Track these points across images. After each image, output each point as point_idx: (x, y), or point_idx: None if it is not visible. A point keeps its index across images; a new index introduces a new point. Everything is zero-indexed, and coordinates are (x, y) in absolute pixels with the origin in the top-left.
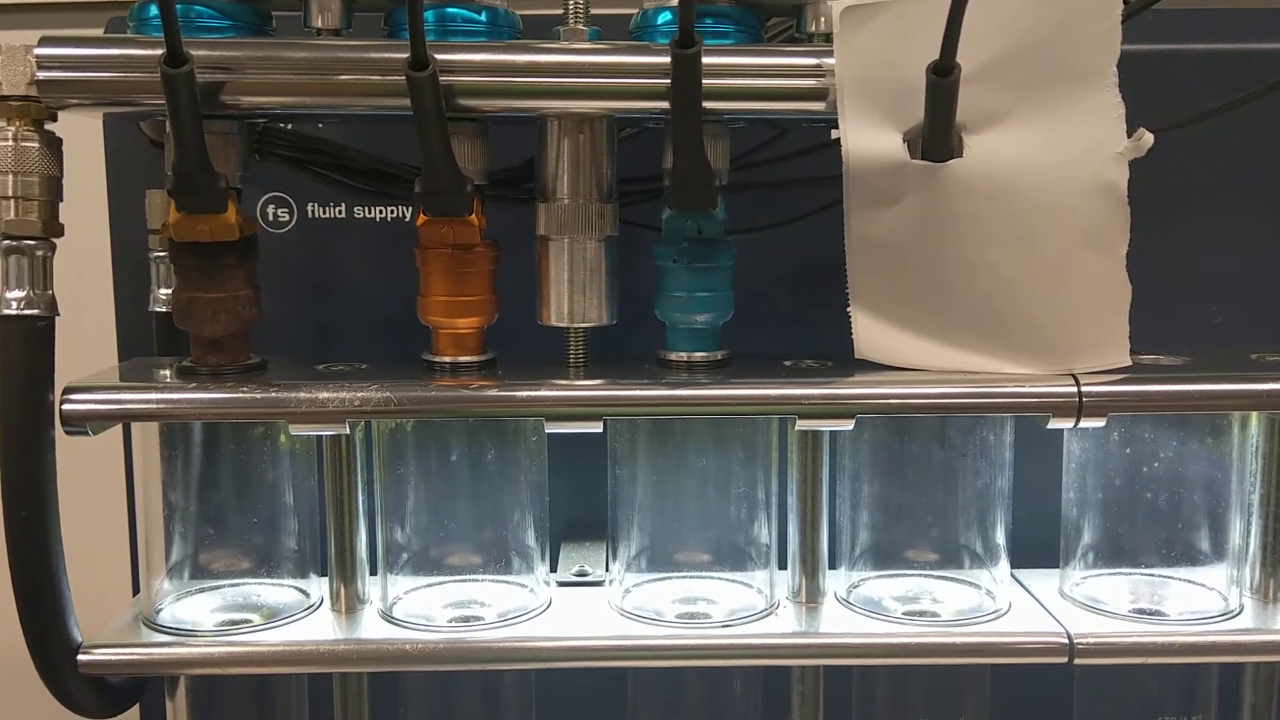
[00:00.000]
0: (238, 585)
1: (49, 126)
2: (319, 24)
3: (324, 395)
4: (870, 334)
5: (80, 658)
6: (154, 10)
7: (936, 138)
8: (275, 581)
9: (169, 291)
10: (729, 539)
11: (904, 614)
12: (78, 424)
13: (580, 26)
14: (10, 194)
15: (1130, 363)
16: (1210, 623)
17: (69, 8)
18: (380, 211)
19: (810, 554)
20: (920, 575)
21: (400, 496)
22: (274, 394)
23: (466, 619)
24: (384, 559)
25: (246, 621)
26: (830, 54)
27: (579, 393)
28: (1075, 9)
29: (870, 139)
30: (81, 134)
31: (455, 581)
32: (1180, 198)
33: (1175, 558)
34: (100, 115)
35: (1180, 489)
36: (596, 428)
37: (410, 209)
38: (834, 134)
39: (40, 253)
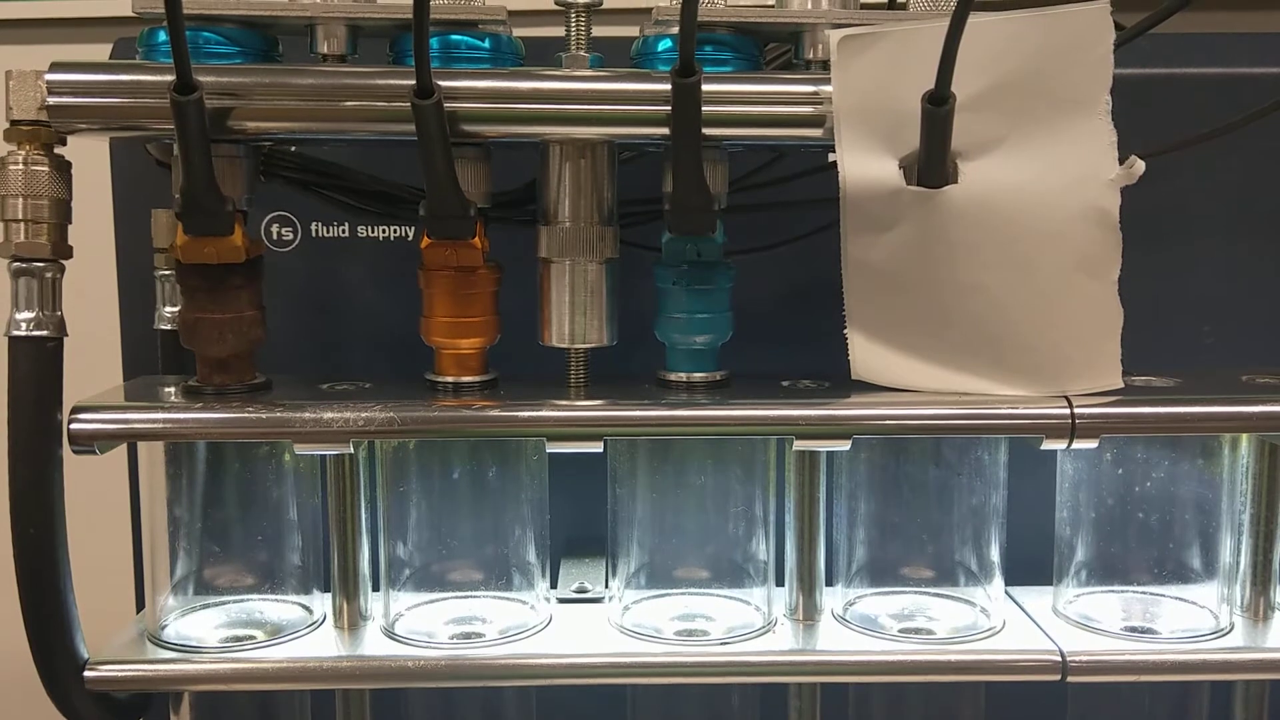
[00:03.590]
0: (242, 601)
1: (58, 150)
2: (325, 50)
3: (328, 415)
4: (867, 355)
5: (86, 674)
6: (163, 36)
7: (932, 164)
8: (279, 598)
9: (174, 310)
10: (727, 556)
11: (899, 631)
12: (85, 443)
13: (582, 53)
14: (20, 217)
15: (1122, 385)
16: (1201, 641)
17: (75, 24)
18: (384, 231)
19: (807, 571)
20: (916, 593)
21: (403, 514)
22: (279, 414)
23: (468, 635)
24: (386, 575)
25: (250, 638)
26: (828, 81)
27: (580, 413)
28: (1068, 38)
29: (867, 165)
30: (87, 153)
31: (457, 598)
32: (1171, 221)
33: (1167, 576)
34: (108, 138)
35: (1172, 508)
36: (597, 447)
37: (413, 228)
38: (831, 157)
39: (49, 274)
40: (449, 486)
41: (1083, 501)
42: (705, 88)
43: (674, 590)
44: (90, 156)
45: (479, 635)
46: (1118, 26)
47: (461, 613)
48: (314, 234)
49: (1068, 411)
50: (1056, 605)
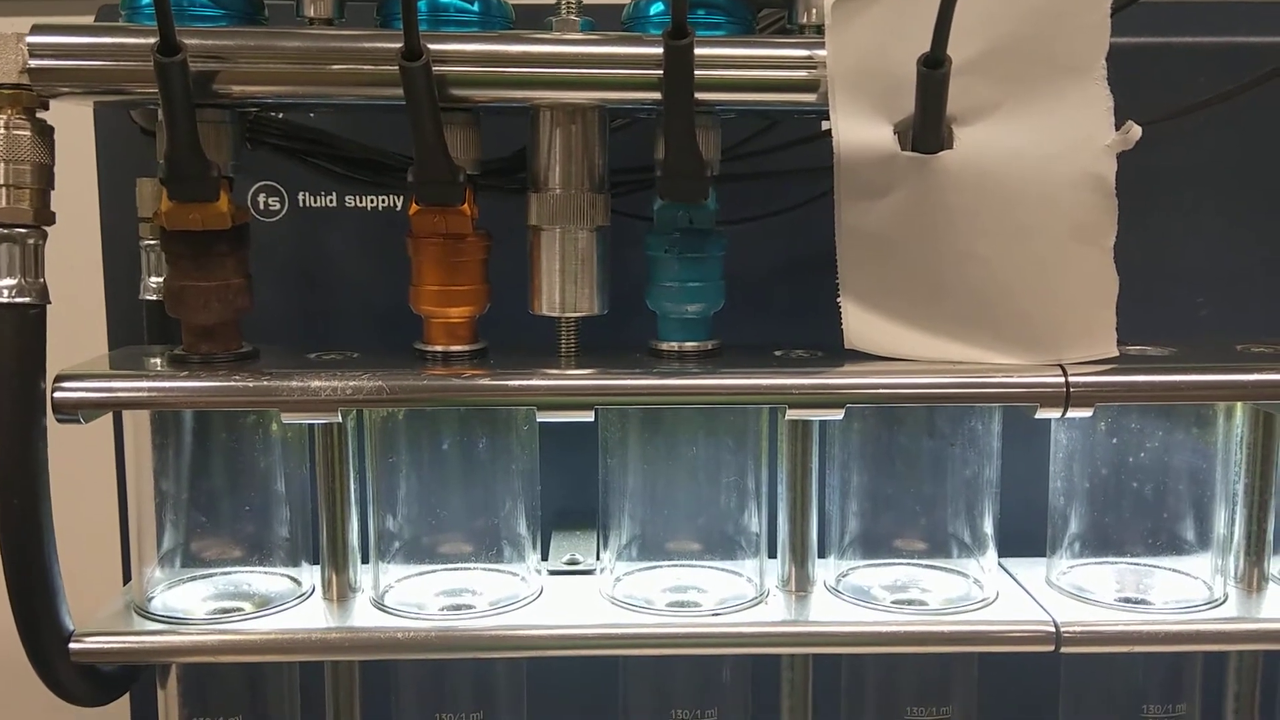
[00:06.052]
0: (229, 573)
1: (40, 115)
2: (311, 13)
3: (316, 384)
4: (860, 324)
5: (72, 646)
6: None
7: (927, 130)
8: (267, 570)
9: (160, 279)
10: (719, 528)
11: (892, 603)
12: (69, 412)
13: (572, 17)
14: (2, 182)
15: (1117, 353)
16: (1195, 611)
17: None
18: (372, 200)
19: (800, 543)
20: (909, 564)
21: (392, 485)
22: (266, 382)
23: (458, 607)
24: (376, 547)
25: (238, 610)
26: (822, 46)
27: (570, 382)
28: (1065, 2)
29: (861, 130)
30: (72, 122)
31: (447, 570)
32: (1167, 190)
33: (1161, 547)
34: (91, 103)
35: (1166, 479)
36: (588, 417)
37: (401, 197)
38: (825, 125)
39: (32, 241)
40: (439, 457)
41: (1076, 472)
42: (698, 51)
43: (666, 562)
44: (75, 125)
45: (469, 607)
46: None
47: (452, 585)
48: (301, 204)
49: (1062, 380)
50: (1050, 576)
